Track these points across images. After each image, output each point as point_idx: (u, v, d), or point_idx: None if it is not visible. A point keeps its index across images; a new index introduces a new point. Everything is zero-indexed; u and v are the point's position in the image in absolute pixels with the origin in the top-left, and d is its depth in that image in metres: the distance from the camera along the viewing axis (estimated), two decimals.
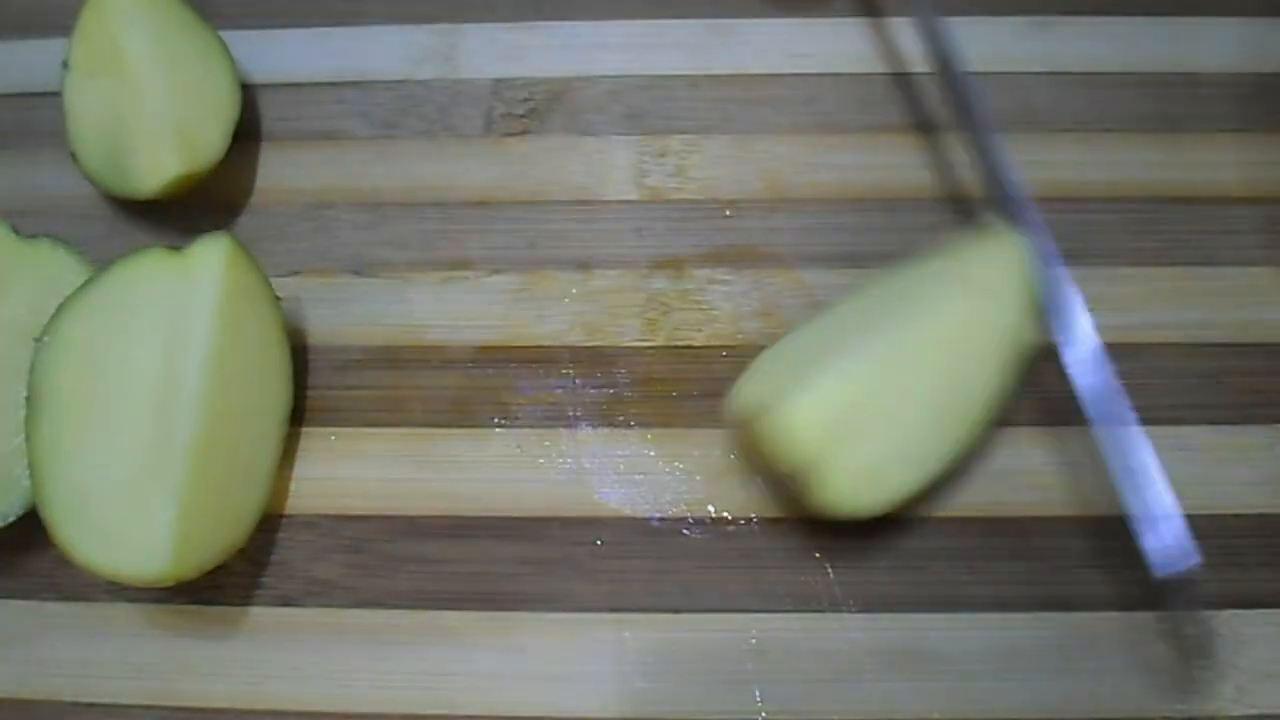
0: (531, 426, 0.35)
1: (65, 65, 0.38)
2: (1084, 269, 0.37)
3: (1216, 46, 0.40)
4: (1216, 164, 0.38)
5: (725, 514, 0.34)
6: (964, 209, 0.38)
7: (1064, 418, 0.35)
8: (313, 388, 0.36)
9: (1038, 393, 0.35)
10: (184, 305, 0.33)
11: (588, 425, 0.35)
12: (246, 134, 0.40)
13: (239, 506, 0.33)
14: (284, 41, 0.42)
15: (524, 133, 0.41)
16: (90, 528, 0.30)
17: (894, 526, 0.33)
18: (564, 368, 0.36)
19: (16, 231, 0.36)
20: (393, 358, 0.37)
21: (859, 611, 0.32)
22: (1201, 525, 0.33)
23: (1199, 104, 0.39)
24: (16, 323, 0.34)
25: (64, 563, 0.31)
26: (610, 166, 0.40)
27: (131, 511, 0.31)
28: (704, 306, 0.37)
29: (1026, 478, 0.34)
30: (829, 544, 0.33)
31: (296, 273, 0.38)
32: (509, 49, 0.41)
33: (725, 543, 0.34)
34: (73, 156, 0.37)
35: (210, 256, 0.33)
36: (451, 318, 0.37)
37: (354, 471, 0.35)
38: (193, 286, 0.33)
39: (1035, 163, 0.38)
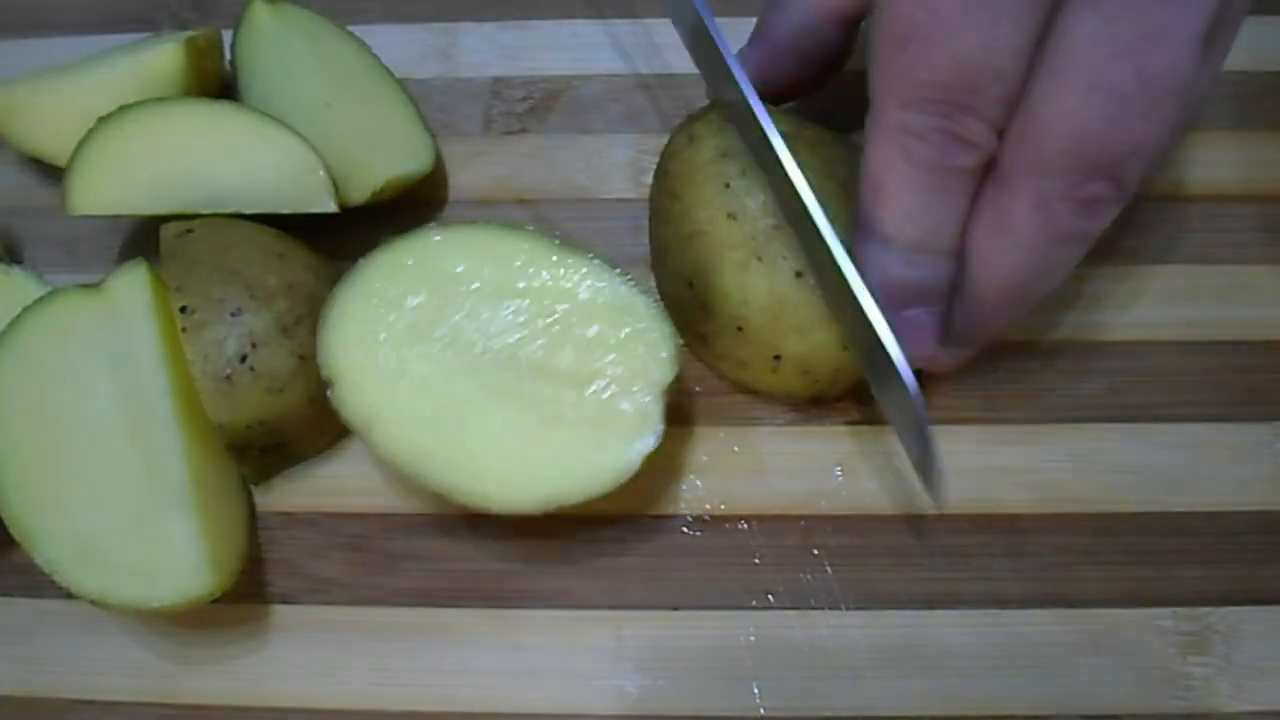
0: None
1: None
2: (1082, 267, 0.37)
3: None
4: (1215, 162, 0.39)
5: (723, 512, 0.34)
6: None
7: (1061, 415, 0.35)
8: None
9: (1035, 391, 0.35)
10: (122, 338, 0.33)
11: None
12: None
13: (237, 509, 0.34)
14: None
15: (523, 131, 0.41)
16: (113, 571, 0.30)
17: (892, 524, 0.33)
18: None
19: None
20: None
21: (857, 608, 0.32)
22: (1200, 522, 0.33)
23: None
24: None
25: None
26: (609, 165, 0.40)
27: (151, 541, 0.30)
28: None
29: (1024, 475, 0.34)
30: (827, 541, 0.33)
31: None
32: (508, 48, 0.42)
33: (724, 540, 0.34)
34: None
35: (132, 287, 0.33)
36: None
37: (354, 469, 0.35)
38: (122, 320, 0.33)
39: None
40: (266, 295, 0.33)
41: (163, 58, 0.37)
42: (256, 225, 0.35)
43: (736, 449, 0.35)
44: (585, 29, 0.43)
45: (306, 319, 0.33)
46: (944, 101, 0.26)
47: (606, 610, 0.33)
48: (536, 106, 0.41)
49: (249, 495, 0.35)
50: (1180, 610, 0.32)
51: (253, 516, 0.35)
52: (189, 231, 0.34)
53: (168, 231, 0.34)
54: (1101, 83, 0.25)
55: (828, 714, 0.31)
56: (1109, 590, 0.32)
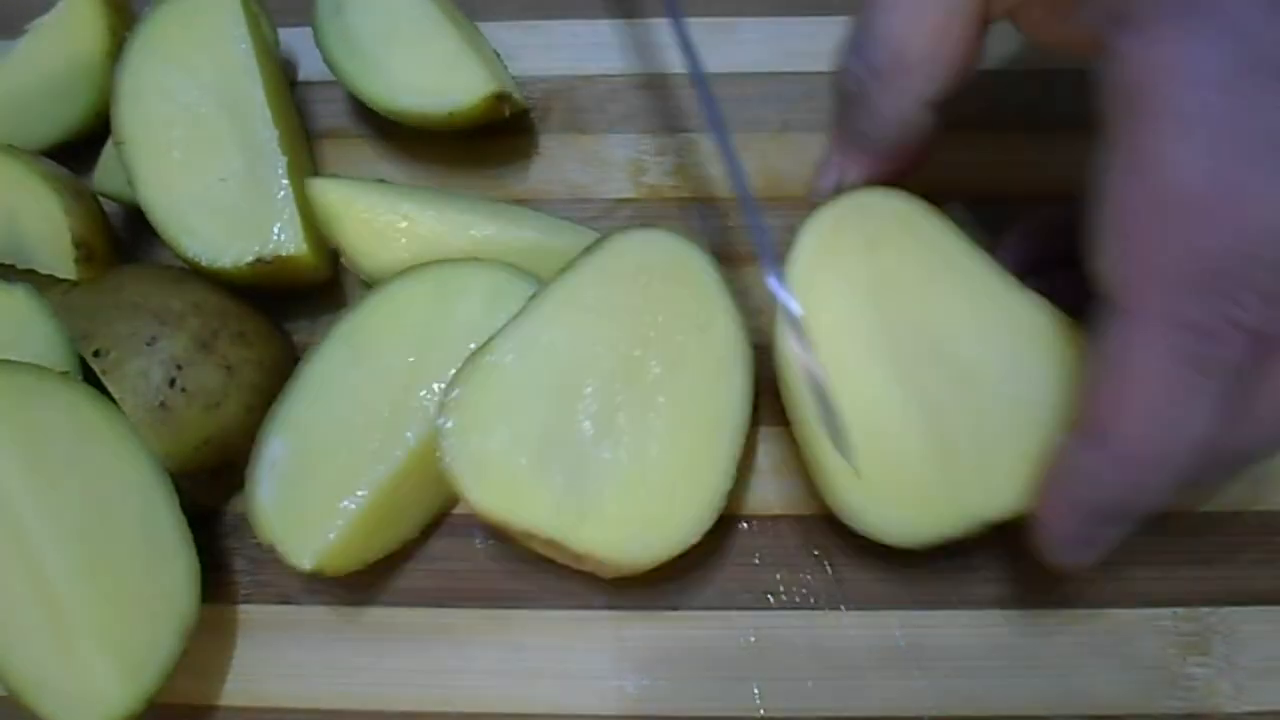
0: None
1: None
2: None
3: None
4: None
5: (724, 512, 0.34)
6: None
7: None
8: None
9: None
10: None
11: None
12: None
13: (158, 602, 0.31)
14: (285, 39, 0.42)
15: (524, 130, 0.41)
16: (47, 689, 0.29)
17: None
18: None
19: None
20: None
21: (857, 609, 0.32)
22: (1199, 522, 0.33)
23: None
24: None
25: None
26: (609, 164, 0.40)
27: (65, 661, 0.29)
28: None
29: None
30: (828, 542, 0.33)
31: None
32: (509, 48, 0.41)
33: (724, 540, 0.34)
34: None
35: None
36: None
37: None
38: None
39: (1033, 161, 0.38)
40: (175, 318, 0.32)
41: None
42: (135, 264, 0.35)
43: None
44: (585, 29, 0.43)
45: (222, 331, 0.33)
46: (1227, 276, 0.22)
47: (606, 610, 0.33)
48: (536, 106, 0.41)
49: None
50: (1180, 610, 0.32)
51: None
52: (73, 286, 0.34)
53: (51, 296, 0.33)
54: None
55: (828, 714, 0.31)
56: (1109, 590, 0.32)
